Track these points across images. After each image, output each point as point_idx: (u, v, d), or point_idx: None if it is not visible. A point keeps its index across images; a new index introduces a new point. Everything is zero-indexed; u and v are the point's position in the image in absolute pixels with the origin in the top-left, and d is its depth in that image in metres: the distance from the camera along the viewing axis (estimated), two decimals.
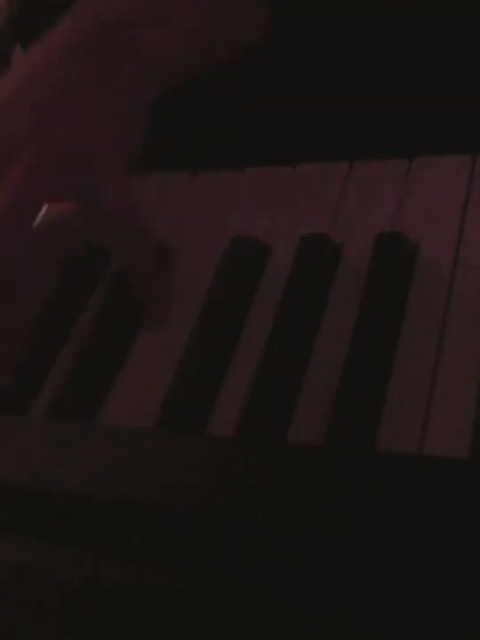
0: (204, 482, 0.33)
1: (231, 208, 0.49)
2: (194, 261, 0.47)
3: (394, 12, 0.47)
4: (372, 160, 0.47)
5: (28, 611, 0.32)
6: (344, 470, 0.32)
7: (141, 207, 0.48)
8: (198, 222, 0.49)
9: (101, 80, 0.45)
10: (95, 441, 0.37)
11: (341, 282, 0.43)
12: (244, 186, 0.50)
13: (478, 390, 0.36)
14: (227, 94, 0.55)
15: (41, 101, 0.44)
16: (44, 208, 0.48)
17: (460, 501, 0.30)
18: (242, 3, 0.48)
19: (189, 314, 0.44)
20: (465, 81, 0.47)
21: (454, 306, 0.40)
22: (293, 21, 0.53)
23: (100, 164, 0.44)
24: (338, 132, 0.50)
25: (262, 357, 0.40)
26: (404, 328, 0.39)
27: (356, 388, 0.37)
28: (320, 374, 0.39)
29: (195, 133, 0.55)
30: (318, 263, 0.44)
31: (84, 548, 0.33)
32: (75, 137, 0.43)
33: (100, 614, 0.31)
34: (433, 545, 0.29)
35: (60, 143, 0.43)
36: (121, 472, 0.35)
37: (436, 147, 0.45)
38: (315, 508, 0.31)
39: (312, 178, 0.48)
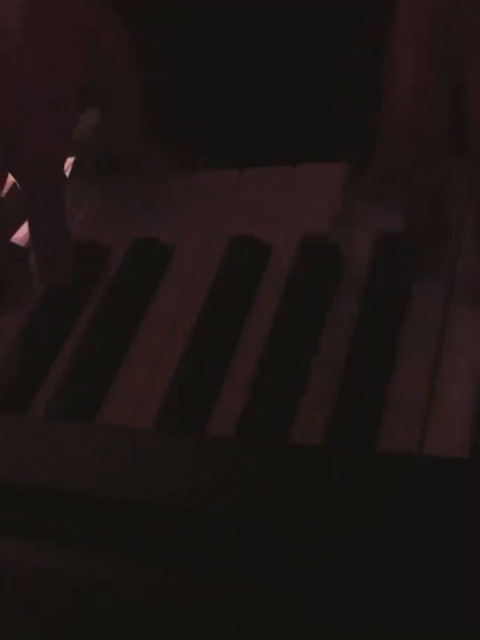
0: (203, 482, 0.33)
1: (231, 208, 0.49)
2: (194, 261, 0.47)
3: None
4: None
5: (27, 611, 0.32)
6: (344, 470, 0.32)
7: (140, 206, 0.49)
8: (198, 222, 0.49)
9: None
10: (95, 441, 0.37)
11: (342, 282, 0.43)
12: (244, 186, 0.50)
13: (478, 390, 0.36)
14: (227, 93, 0.55)
15: None
16: None
17: (460, 501, 0.30)
18: None
19: (189, 314, 0.44)
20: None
21: (455, 305, 0.40)
22: (295, 21, 0.53)
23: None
24: (338, 131, 0.50)
25: (262, 357, 0.40)
26: (404, 328, 0.39)
27: (356, 388, 0.37)
28: (320, 374, 0.39)
29: (195, 133, 0.55)
30: (318, 263, 0.44)
31: (84, 548, 0.33)
32: None
33: (100, 614, 0.31)
34: (433, 545, 0.29)
35: None
36: (121, 472, 0.35)
37: None
38: (315, 507, 0.31)
39: (312, 178, 0.48)
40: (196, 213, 0.49)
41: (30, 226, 0.47)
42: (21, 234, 0.51)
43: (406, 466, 0.32)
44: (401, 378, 0.37)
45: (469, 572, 0.28)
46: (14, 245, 0.50)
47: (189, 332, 0.43)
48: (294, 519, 0.31)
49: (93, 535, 0.34)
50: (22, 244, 0.51)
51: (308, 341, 0.40)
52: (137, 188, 0.52)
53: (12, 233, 0.51)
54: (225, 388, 0.40)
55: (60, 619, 0.31)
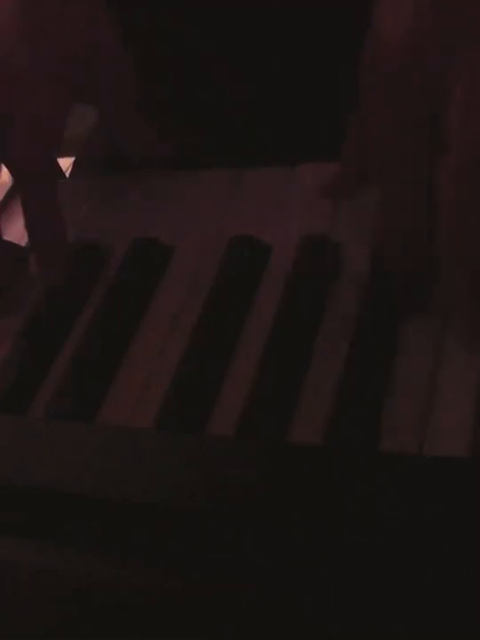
0: (203, 482, 0.33)
1: (231, 208, 0.49)
2: (194, 261, 0.47)
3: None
4: None
5: (28, 611, 0.32)
6: (344, 470, 0.32)
7: (140, 206, 0.48)
8: (198, 222, 0.49)
9: None
10: (95, 441, 0.37)
11: (341, 282, 0.43)
12: (244, 186, 0.50)
13: (478, 390, 0.36)
14: (227, 94, 0.55)
15: None
16: None
17: (460, 501, 0.30)
18: None
19: (189, 314, 0.44)
20: None
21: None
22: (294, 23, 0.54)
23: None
24: (337, 132, 0.50)
25: (262, 357, 0.40)
26: (404, 327, 0.39)
27: (356, 388, 0.37)
28: (320, 374, 0.39)
29: (195, 133, 0.55)
30: (318, 263, 0.44)
31: (84, 548, 0.33)
32: None
33: (100, 615, 0.31)
34: (433, 545, 0.29)
35: None
36: (121, 472, 0.35)
37: None
38: (315, 507, 0.31)
39: (312, 178, 0.48)
40: (196, 213, 0.49)
41: (26, 223, 0.47)
42: (21, 233, 0.51)
43: (406, 466, 0.32)
44: (401, 378, 0.37)
45: (469, 571, 0.28)
46: (13, 245, 0.50)
47: (189, 332, 0.43)
48: (294, 519, 0.31)
49: (93, 535, 0.34)
50: (22, 244, 0.51)
51: (308, 341, 0.40)
52: (137, 187, 0.52)
53: None
54: (225, 387, 0.40)
55: (60, 619, 0.31)
